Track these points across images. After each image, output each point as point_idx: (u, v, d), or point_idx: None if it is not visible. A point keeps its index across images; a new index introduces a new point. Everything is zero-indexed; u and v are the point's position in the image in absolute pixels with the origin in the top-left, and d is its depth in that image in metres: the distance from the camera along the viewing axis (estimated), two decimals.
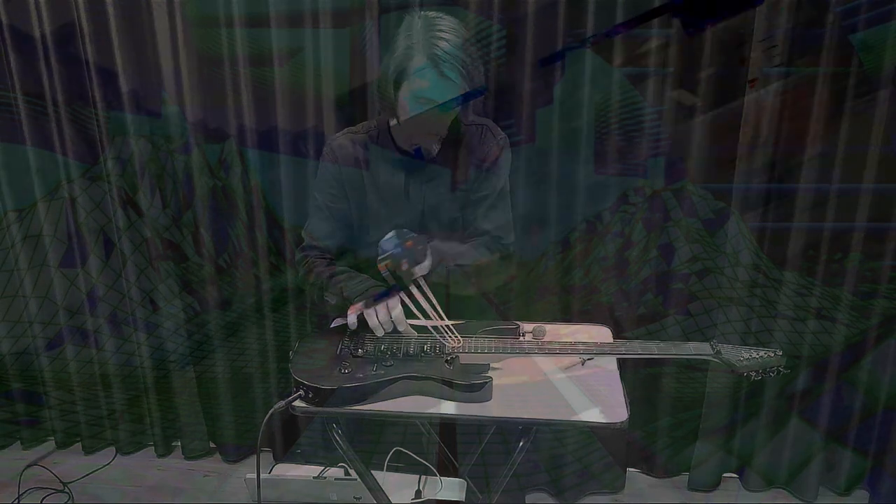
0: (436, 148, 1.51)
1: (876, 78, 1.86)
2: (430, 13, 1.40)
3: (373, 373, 1.38)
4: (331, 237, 1.64)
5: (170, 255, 2.33)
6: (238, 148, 2.18)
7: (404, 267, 1.38)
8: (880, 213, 1.99)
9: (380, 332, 1.47)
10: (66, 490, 2.33)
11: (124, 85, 2.13)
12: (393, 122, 1.53)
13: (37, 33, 2.13)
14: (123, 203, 2.28)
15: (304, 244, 1.69)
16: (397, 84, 1.40)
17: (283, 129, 2.13)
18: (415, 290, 1.40)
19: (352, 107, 2.08)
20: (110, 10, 2.06)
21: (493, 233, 1.65)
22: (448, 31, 1.36)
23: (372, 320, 1.46)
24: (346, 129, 1.63)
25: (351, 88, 2.07)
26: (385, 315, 1.45)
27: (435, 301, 1.42)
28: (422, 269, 1.41)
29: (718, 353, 1.40)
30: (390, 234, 1.40)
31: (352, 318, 1.49)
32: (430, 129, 1.45)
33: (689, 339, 2.18)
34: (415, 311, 1.42)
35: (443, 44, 1.34)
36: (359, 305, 1.48)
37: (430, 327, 1.48)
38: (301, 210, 2.19)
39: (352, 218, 1.63)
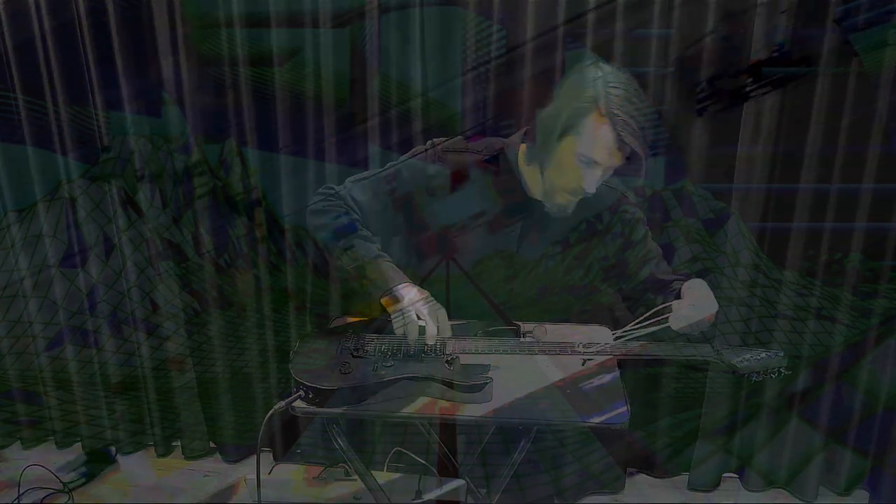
0: (572, 207, 1.42)
1: (876, 78, 1.86)
2: (605, 66, 1.32)
3: (373, 373, 1.38)
4: (368, 216, 1.49)
5: (170, 255, 2.33)
6: (238, 148, 2.18)
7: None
8: (880, 213, 1.99)
9: (431, 342, 1.41)
10: (66, 490, 2.33)
11: (124, 85, 2.13)
12: (530, 166, 1.41)
13: (37, 33, 2.13)
14: (123, 203, 2.28)
15: (330, 187, 1.52)
16: (563, 135, 1.30)
17: (282, 129, 2.13)
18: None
19: (352, 107, 2.08)
20: (110, 9, 2.06)
21: (673, 284, 1.58)
22: (629, 90, 1.27)
23: (431, 328, 1.38)
24: (461, 139, 1.48)
25: (351, 89, 2.07)
26: (433, 326, 1.38)
27: None
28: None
29: (720, 354, 1.39)
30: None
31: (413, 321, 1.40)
32: (580, 190, 1.35)
33: (689, 340, 2.19)
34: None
35: (626, 105, 1.25)
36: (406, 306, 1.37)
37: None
38: (301, 209, 2.19)
39: (399, 228, 1.52)
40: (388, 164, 1.55)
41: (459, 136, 1.51)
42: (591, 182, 1.33)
